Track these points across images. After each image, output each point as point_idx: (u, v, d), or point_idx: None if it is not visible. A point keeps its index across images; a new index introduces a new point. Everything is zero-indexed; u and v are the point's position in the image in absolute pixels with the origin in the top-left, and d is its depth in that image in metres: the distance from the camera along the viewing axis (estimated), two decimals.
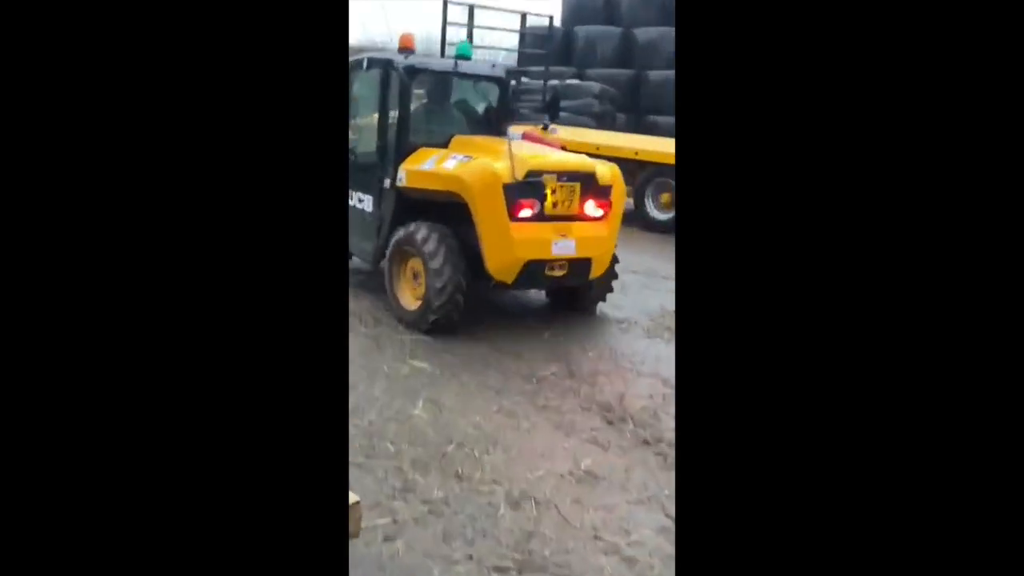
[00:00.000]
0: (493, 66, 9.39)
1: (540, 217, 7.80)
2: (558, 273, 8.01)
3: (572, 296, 8.93)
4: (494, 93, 9.32)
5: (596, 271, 8.24)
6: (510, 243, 7.71)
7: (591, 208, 8.03)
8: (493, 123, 9.23)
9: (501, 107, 9.30)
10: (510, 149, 7.81)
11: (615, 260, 8.68)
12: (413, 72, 8.50)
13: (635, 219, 12.46)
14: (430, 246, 7.70)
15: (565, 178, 7.88)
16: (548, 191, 7.79)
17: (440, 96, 9.36)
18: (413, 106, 8.82)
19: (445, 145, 8.44)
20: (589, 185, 7.99)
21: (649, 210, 12.75)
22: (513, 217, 7.67)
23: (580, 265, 8.07)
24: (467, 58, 9.02)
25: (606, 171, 8.12)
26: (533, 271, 7.88)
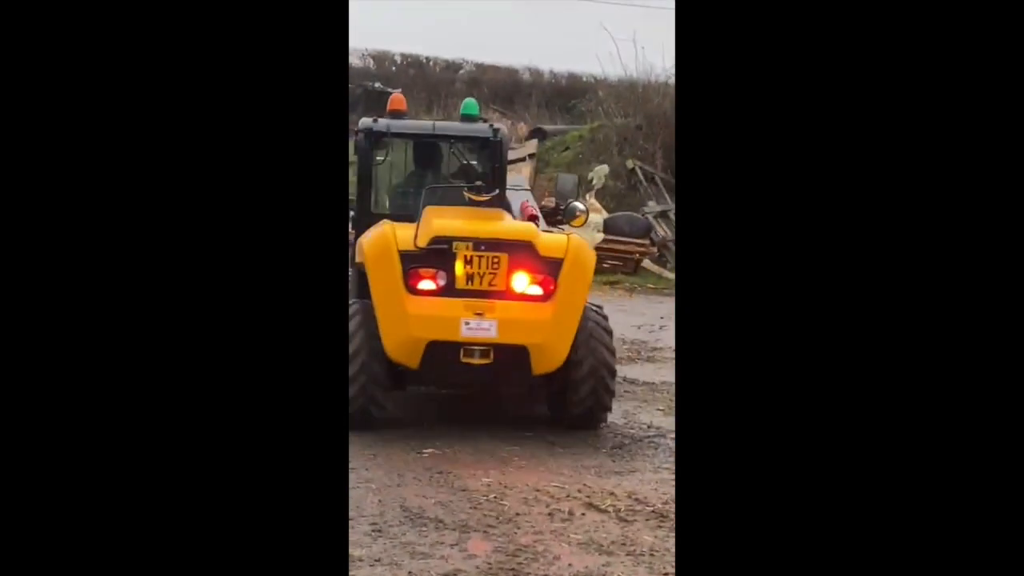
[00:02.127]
0: (491, 126, 8.30)
1: (448, 291, 6.76)
2: (477, 361, 6.72)
3: (551, 402, 7.35)
4: (486, 156, 8.11)
5: (540, 365, 6.78)
6: (405, 318, 6.69)
7: (522, 284, 6.79)
8: (489, 188, 7.66)
9: (494, 171, 7.98)
10: (429, 215, 7.00)
11: (604, 366, 6.96)
12: (374, 135, 7.81)
13: None
14: (351, 327, 6.65)
15: (484, 247, 6.77)
16: (460, 261, 6.74)
17: (424, 161, 8.43)
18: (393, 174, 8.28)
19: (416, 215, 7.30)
20: (522, 257, 6.81)
21: None
22: (411, 289, 6.74)
23: (511, 354, 6.72)
24: (472, 117, 8.33)
25: (552, 242, 6.95)
26: (441, 356, 6.72)
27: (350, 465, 6.04)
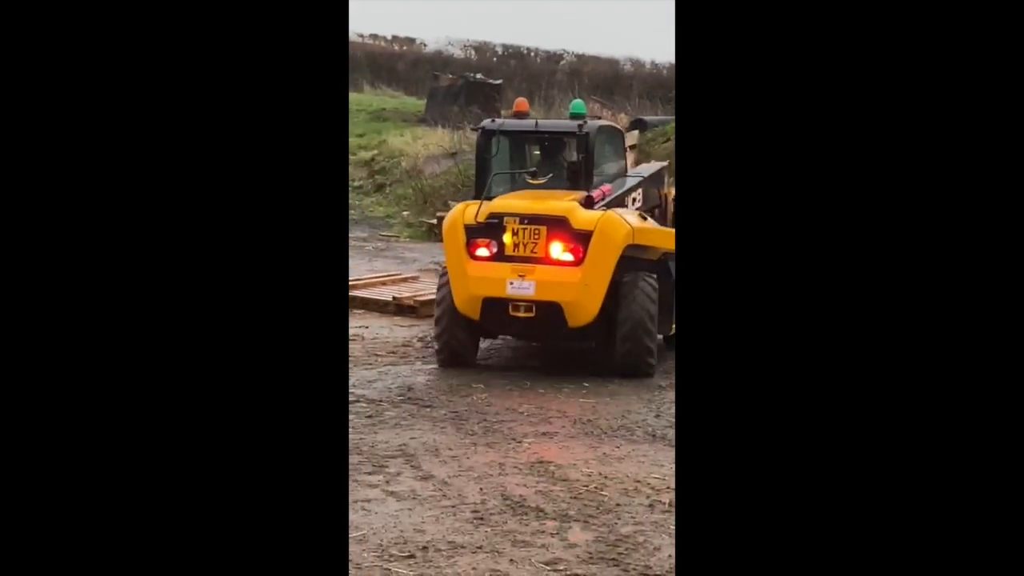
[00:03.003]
0: (580, 123, 9.02)
1: (499, 257, 8.23)
2: (523, 315, 8.19)
3: (599, 354, 8.63)
4: (574, 148, 9.01)
5: (574, 319, 8.14)
6: (465, 279, 8.25)
7: (557, 251, 8.14)
8: (575, 177, 8.88)
9: (580, 161, 8.90)
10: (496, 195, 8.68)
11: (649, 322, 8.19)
12: (486, 133, 9.26)
13: None
14: (439, 283, 8.81)
15: (527, 221, 8.21)
16: (508, 233, 8.20)
17: (519, 154, 9.52)
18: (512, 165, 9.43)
19: None
20: (558, 229, 8.15)
21: None
22: (471, 255, 8.26)
23: (548, 309, 8.10)
24: (579, 116, 9.33)
25: (585, 217, 8.16)
26: (494, 310, 8.24)
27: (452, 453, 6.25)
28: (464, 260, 8.24)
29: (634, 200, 9.29)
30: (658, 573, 4.60)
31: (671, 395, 7.74)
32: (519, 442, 6.51)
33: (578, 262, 8.08)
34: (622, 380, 8.23)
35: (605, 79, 28.80)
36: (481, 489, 5.59)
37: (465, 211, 8.41)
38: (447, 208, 15.12)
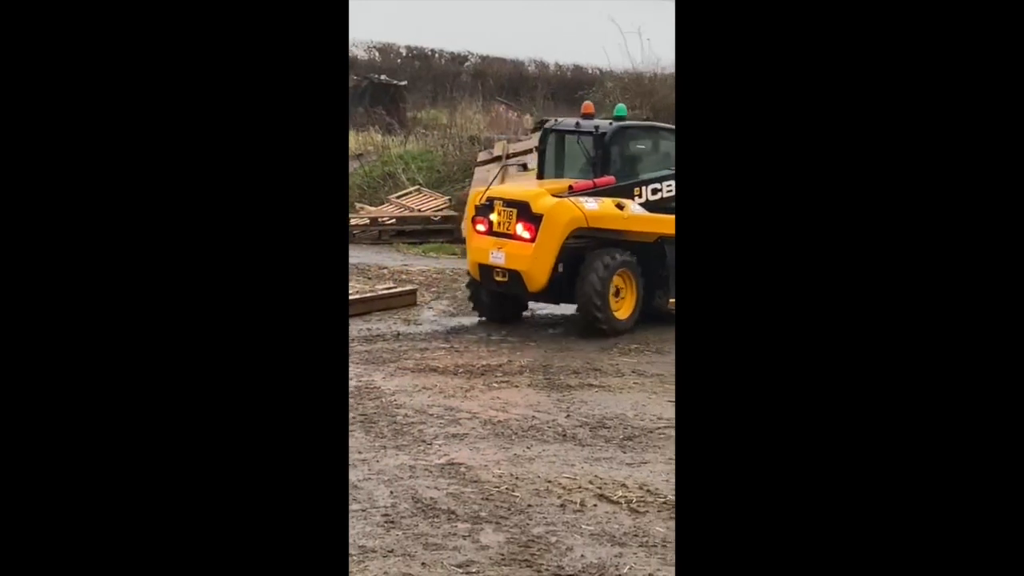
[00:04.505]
0: (609, 125, 10.64)
1: (489, 232, 10.10)
2: (500, 279, 10.09)
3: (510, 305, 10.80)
4: (589, 150, 10.60)
5: (531, 285, 9.91)
6: (469, 248, 10.53)
7: (519, 230, 9.86)
8: (593, 169, 10.49)
9: (597, 157, 10.46)
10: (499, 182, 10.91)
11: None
12: (545, 132, 11.34)
13: None
14: None
15: (505, 204, 10.00)
16: (495, 213, 10.01)
17: (562, 149, 11.08)
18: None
19: None
20: (523, 212, 9.87)
21: None
22: (474, 230, 10.30)
23: (514, 276, 9.93)
24: (621, 118, 10.93)
25: (541, 202, 9.88)
26: (486, 273, 10.20)
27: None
28: (470, 233, 10.39)
29: (655, 191, 10.38)
30: (571, 573, 4.61)
31: (580, 394, 7.81)
32: (429, 444, 6.47)
33: (532, 239, 9.72)
34: (532, 379, 8.33)
35: (510, 80, 28.84)
36: (391, 492, 5.53)
37: (476, 194, 10.55)
38: (353, 210, 15.14)
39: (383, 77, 25.07)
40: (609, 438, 6.81)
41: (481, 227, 10.12)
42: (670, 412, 7.48)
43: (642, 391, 8.12)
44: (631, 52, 26.06)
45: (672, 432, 6.95)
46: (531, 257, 9.72)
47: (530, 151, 17.43)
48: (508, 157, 15.26)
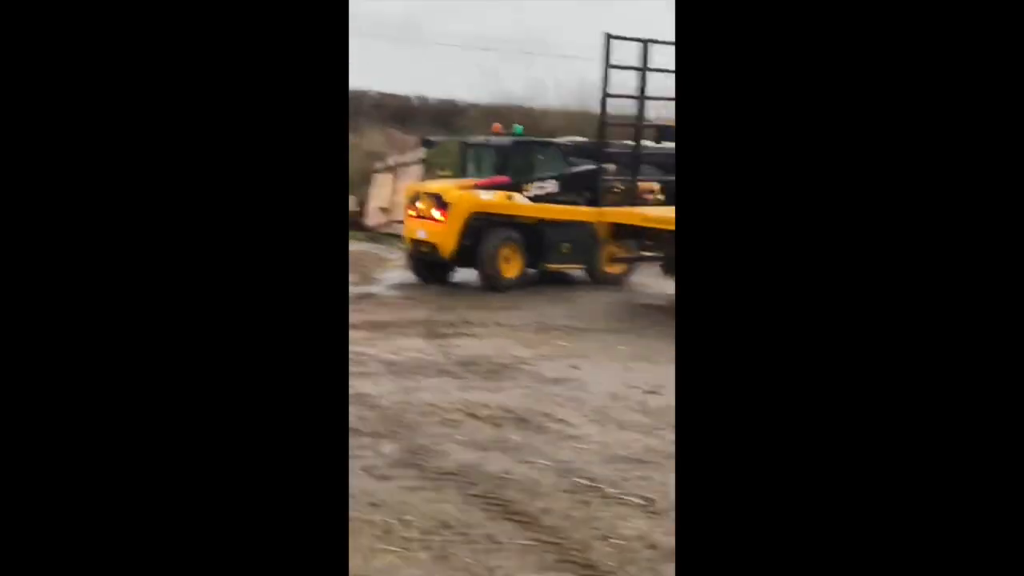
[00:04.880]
0: (508, 140, 11.52)
1: (419, 217, 10.79)
2: (425, 249, 10.77)
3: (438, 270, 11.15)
4: (493, 158, 11.35)
5: (444, 253, 10.58)
6: (406, 228, 11.25)
7: (436, 214, 10.58)
8: (497, 172, 11.12)
9: (498, 163, 11.19)
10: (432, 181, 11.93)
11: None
12: (464, 146, 12.21)
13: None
14: None
15: (427, 195, 10.80)
16: (421, 202, 10.79)
17: (477, 158, 11.70)
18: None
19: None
20: (438, 201, 10.59)
21: None
22: (408, 214, 11.13)
23: (433, 247, 10.62)
24: (519, 135, 11.79)
25: (450, 194, 10.64)
26: (415, 245, 10.92)
27: None
28: (406, 216, 11.18)
29: (539, 188, 10.91)
30: (448, 470, 4.61)
31: (456, 341, 7.80)
32: None
33: (444, 220, 10.44)
34: (419, 331, 8.25)
35: (400, 111, 28.60)
36: None
37: (411, 189, 11.48)
38: None
39: None
40: (476, 372, 6.81)
41: (412, 212, 10.93)
42: (522, 351, 7.54)
43: (503, 338, 8.13)
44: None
45: (525, 367, 7.01)
46: (443, 233, 10.45)
47: (416, 162, 17.41)
48: (397, 167, 16.23)
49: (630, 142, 11.21)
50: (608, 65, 10.13)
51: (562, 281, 11.21)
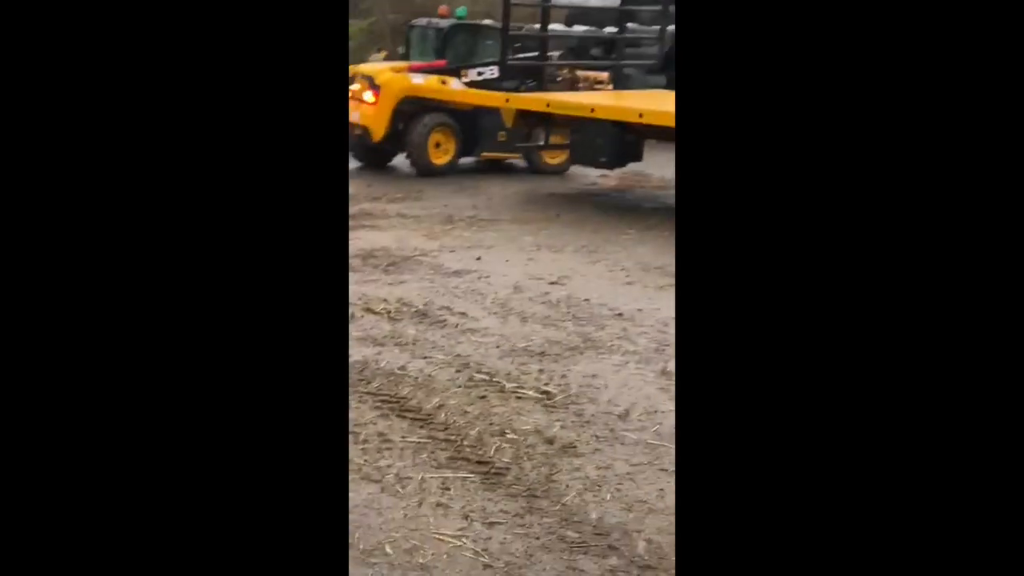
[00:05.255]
0: (455, 24, 11.08)
1: (353, 99, 10.17)
2: (357, 132, 10.26)
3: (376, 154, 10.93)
4: (433, 41, 11.08)
5: (375, 137, 10.32)
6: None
7: (367, 96, 10.27)
8: (436, 56, 10.90)
9: (438, 46, 10.92)
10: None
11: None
12: (409, 27, 11.79)
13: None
14: None
15: (362, 77, 10.41)
16: (358, 84, 10.31)
17: (419, 40, 11.45)
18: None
19: None
20: (371, 83, 10.29)
21: None
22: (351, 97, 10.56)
23: (365, 131, 10.29)
24: (461, 18, 11.24)
25: (382, 76, 10.39)
26: (352, 128, 10.11)
27: None
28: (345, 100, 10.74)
29: (479, 74, 10.71)
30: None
31: (355, 233, 7.52)
32: None
33: (375, 104, 10.19)
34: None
35: None
36: None
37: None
38: None
39: None
40: (376, 265, 6.59)
41: (349, 94, 10.51)
42: (424, 244, 7.34)
43: (404, 229, 7.89)
44: None
45: (424, 259, 6.83)
46: (373, 116, 10.25)
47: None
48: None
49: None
50: None
51: (504, 170, 11.01)
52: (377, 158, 10.84)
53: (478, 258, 6.90)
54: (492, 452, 3.72)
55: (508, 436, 3.87)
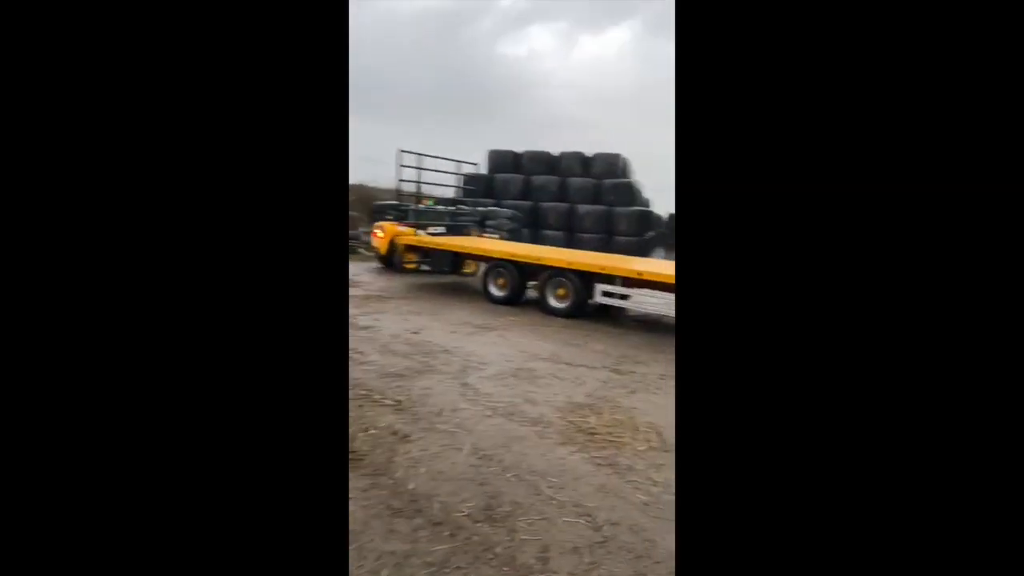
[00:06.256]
0: (428, 208, 15.96)
1: (373, 235, 15.04)
2: (373, 251, 15.26)
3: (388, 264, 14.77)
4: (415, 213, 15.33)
5: (381, 253, 14.64)
6: (373, 242, 15.45)
7: (379, 234, 14.72)
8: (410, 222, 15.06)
9: (410, 217, 15.23)
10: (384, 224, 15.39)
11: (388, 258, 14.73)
12: (407, 208, 15.71)
13: (537, 308, 10.90)
14: None
15: (376, 227, 14.91)
16: (376, 230, 14.85)
17: (413, 214, 15.60)
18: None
19: None
20: (381, 230, 14.59)
21: (549, 300, 11.07)
22: (374, 235, 15.22)
23: (376, 251, 14.83)
24: (431, 206, 16.17)
25: (385, 227, 14.64)
26: (374, 250, 15.07)
27: None
28: (373, 236, 15.18)
29: (436, 230, 14.76)
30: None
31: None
32: None
33: (382, 238, 14.50)
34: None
35: None
36: None
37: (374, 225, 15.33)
38: None
39: None
40: None
41: (373, 233, 15.23)
42: (352, 309, 9.15)
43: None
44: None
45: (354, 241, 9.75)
46: (380, 245, 14.60)
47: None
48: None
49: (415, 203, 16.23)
50: (401, 164, 15.40)
51: (422, 273, 14.66)
52: (382, 263, 15.42)
53: (376, 319, 9.25)
54: (358, 444, 4.43)
55: (370, 432, 4.66)
